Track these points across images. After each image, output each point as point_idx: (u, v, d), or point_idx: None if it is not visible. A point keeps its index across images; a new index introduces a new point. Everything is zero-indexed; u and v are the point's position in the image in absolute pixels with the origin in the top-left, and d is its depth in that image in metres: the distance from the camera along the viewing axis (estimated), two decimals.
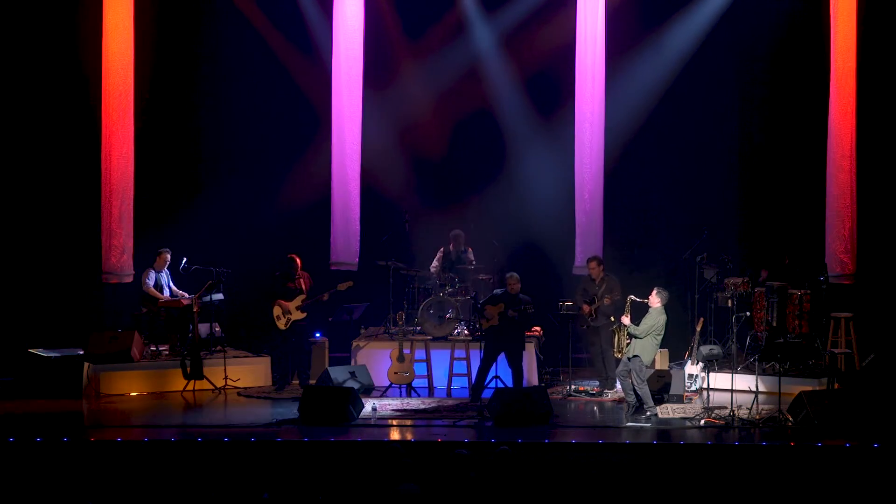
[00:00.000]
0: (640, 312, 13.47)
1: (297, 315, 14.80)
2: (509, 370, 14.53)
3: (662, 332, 13.23)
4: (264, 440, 11.94)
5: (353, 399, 12.94)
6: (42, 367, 14.53)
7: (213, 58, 16.76)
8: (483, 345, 14.10)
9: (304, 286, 14.89)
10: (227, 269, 15.40)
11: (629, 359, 13.23)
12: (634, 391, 13.16)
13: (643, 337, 13.13)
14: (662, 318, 13.20)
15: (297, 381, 14.88)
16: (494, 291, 14.50)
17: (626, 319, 13.44)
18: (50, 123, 16.03)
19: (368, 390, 14.30)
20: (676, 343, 15.29)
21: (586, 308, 14.59)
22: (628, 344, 13.40)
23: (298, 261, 15.00)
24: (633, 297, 13.70)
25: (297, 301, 14.79)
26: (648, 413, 13.05)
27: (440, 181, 17.19)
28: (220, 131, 16.90)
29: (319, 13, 16.54)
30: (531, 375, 14.99)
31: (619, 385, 14.46)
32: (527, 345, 15.21)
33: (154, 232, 16.05)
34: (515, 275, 14.17)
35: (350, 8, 16.23)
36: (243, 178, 17.00)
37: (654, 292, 13.29)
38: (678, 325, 15.29)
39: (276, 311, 14.79)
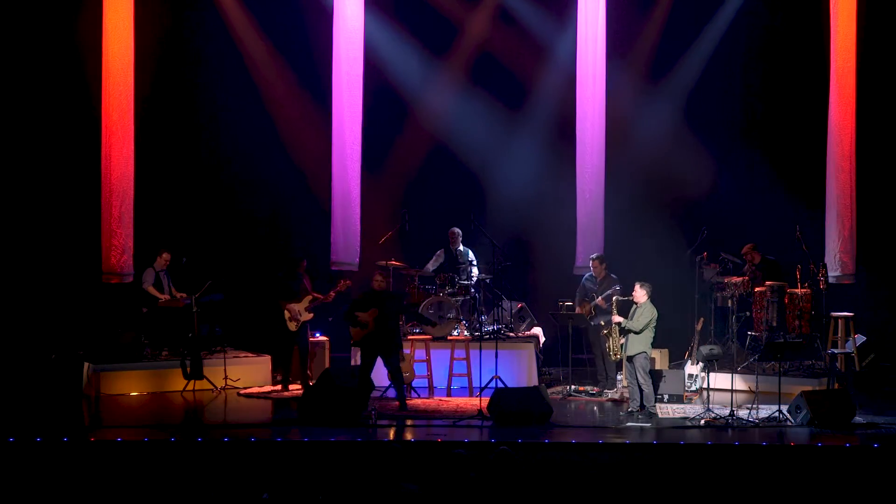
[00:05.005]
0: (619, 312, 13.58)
1: (307, 316, 14.78)
2: (509, 370, 14.57)
3: (655, 324, 13.25)
4: (264, 440, 11.94)
5: (353, 399, 12.95)
6: (42, 367, 14.53)
7: (213, 58, 16.77)
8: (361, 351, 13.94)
9: (309, 287, 14.88)
10: (226, 269, 15.39)
11: (629, 359, 13.23)
12: (639, 387, 13.16)
13: (640, 331, 13.13)
14: (655, 310, 13.20)
15: (299, 382, 14.88)
16: (356, 296, 14.06)
17: (618, 318, 13.44)
18: (50, 124, 16.03)
19: (369, 391, 14.28)
20: (676, 343, 15.30)
21: (579, 308, 14.59)
22: (622, 344, 13.41)
23: (304, 262, 14.99)
24: (618, 296, 13.73)
25: (306, 302, 14.77)
26: (648, 411, 13.06)
27: (440, 181, 17.20)
28: (220, 130, 16.92)
29: (320, 14, 16.55)
30: (531, 375, 15.01)
31: (619, 385, 14.49)
32: (526, 345, 15.26)
33: (154, 232, 16.05)
34: (380, 271, 14.10)
35: (350, 8, 16.24)
36: (243, 177, 17.02)
37: (638, 286, 13.28)
38: (678, 325, 15.31)
39: (287, 313, 14.76)
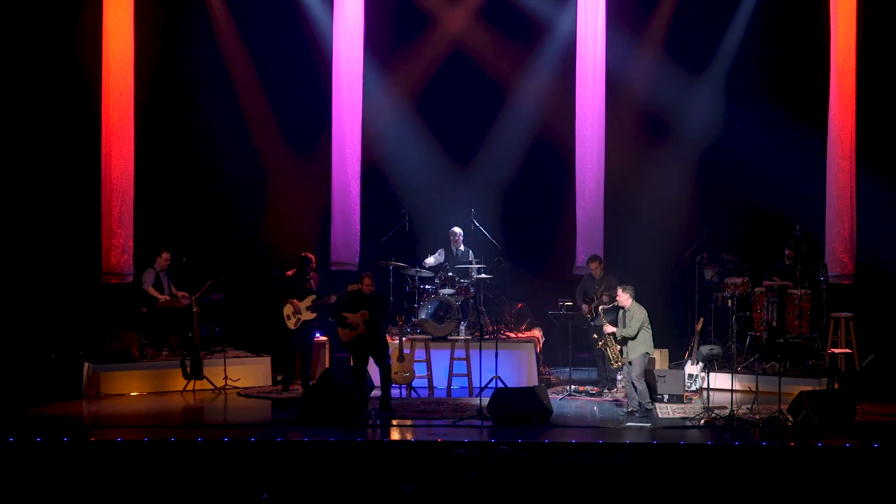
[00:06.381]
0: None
1: (307, 315, 14.70)
2: (509, 370, 14.56)
3: (649, 323, 13.28)
4: (264, 440, 11.93)
5: (353, 399, 12.95)
6: (42, 367, 14.53)
7: (213, 58, 16.75)
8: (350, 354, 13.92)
9: (314, 286, 14.85)
10: (226, 269, 15.38)
11: (630, 363, 13.24)
12: (634, 386, 13.19)
13: (636, 335, 13.15)
14: (643, 310, 13.23)
15: (300, 381, 14.86)
16: (342, 296, 14.05)
17: (610, 329, 13.46)
18: (50, 124, 16.01)
19: (369, 390, 14.29)
20: (676, 343, 15.29)
21: (585, 307, 14.61)
22: (621, 350, 13.41)
23: (314, 260, 14.94)
24: (602, 307, 13.75)
25: (308, 301, 14.71)
26: (644, 408, 13.08)
27: (441, 180, 17.20)
28: (220, 131, 16.90)
29: (320, 13, 16.56)
30: (531, 375, 15.01)
31: (619, 385, 14.48)
32: (526, 345, 15.26)
33: (154, 232, 16.05)
34: (368, 274, 13.99)
35: (350, 8, 16.24)
36: (243, 176, 17.01)
37: (621, 291, 13.35)
38: (678, 325, 15.31)
39: (287, 309, 14.66)
